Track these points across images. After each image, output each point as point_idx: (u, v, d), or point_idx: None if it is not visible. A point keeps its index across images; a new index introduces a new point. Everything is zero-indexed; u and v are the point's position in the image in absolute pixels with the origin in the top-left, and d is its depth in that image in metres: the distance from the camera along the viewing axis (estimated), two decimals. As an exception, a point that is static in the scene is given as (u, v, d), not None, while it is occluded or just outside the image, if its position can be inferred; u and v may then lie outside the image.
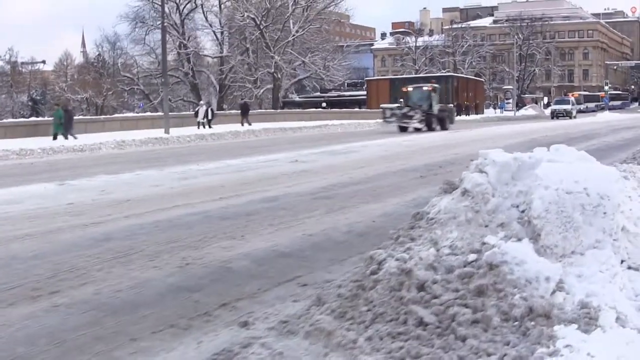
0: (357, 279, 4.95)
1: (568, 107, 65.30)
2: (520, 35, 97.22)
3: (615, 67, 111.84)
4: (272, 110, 57.48)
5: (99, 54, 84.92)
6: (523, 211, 4.95)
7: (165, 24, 59.62)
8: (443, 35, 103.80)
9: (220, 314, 5.37)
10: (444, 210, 5.13)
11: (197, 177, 14.14)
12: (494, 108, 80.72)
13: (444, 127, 35.54)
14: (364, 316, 4.53)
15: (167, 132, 30.64)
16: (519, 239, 4.76)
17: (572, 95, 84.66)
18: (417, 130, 33.04)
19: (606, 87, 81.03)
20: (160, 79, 65.41)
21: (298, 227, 8.54)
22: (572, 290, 4.45)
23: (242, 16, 62.74)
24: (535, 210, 4.77)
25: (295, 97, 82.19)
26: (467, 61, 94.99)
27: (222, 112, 49.54)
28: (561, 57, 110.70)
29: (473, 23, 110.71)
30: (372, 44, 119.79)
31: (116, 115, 45.78)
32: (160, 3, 40.00)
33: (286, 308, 5.36)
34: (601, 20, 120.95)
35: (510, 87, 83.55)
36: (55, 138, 27.74)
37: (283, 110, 59.20)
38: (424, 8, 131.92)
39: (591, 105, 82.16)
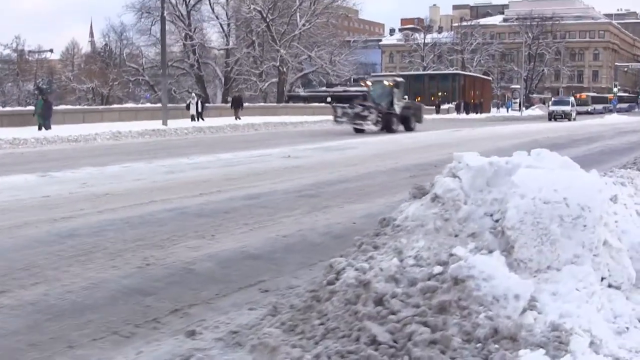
0: (314, 289, 4.57)
1: (567, 108, 59.61)
2: (530, 34, 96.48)
3: (625, 69, 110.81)
4: (274, 104, 57.00)
5: (106, 44, 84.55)
6: (497, 220, 4.55)
7: (171, 15, 59.67)
8: (452, 32, 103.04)
9: (170, 321, 5.00)
10: (412, 217, 4.73)
11: (184, 171, 13.75)
12: (498, 107, 79.90)
13: (408, 128, 31.39)
14: (315, 331, 4.14)
15: (165, 123, 30.28)
16: (491, 251, 4.36)
17: (580, 96, 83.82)
18: (382, 131, 29.24)
19: (615, 89, 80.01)
20: (167, 69, 65.24)
21: (274, 227, 8.15)
22: (544, 310, 4.05)
23: (249, 8, 62.19)
24: (509, 220, 4.37)
25: (301, 92, 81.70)
26: (475, 59, 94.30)
27: (224, 104, 49.11)
28: (571, 58, 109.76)
29: (483, 21, 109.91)
30: (380, 40, 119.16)
31: (115, 105, 45.30)
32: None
33: (240, 317, 4.99)
34: (613, 21, 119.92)
35: (518, 86, 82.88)
36: (40, 129, 27.37)
37: (286, 104, 58.73)
38: (434, 5, 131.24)
39: (599, 107, 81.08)
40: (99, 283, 5.91)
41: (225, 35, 68.72)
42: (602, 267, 4.40)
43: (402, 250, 4.51)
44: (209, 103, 50.67)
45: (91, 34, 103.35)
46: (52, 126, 27.90)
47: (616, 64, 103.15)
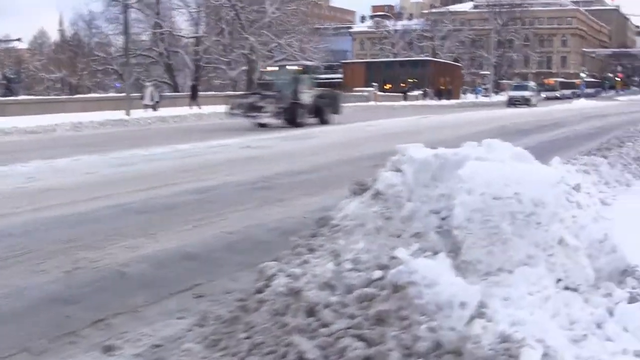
0: (242, 297, 4.12)
1: (527, 94, 56.15)
2: (499, 21, 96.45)
3: (593, 55, 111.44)
4: (240, 93, 56.18)
5: (75, 33, 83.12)
6: (444, 219, 4.14)
7: (140, 3, 58.55)
8: (422, 19, 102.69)
9: (89, 334, 4.54)
10: (351, 216, 4.30)
11: (137, 164, 13.17)
12: (464, 93, 79.75)
13: (323, 120, 27.04)
14: (240, 346, 3.69)
15: (128, 114, 29.53)
16: (436, 253, 3.95)
17: (548, 81, 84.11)
18: (290, 125, 25.09)
19: (583, 75, 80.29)
20: (136, 58, 64.10)
21: (220, 223, 7.68)
22: (494, 317, 3.64)
23: (218, -4, 61.33)
24: (455, 219, 3.96)
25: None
26: (445, 46, 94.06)
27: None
28: (540, 44, 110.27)
29: (453, 7, 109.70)
30: (351, 27, 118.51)
31: (78, 95, 44.21)
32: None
33: (167, 327, 4.54)
34: (580, 8, 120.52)
35: (488, 72, 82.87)
36: None
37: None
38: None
39: (567, 92, 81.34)
40: (21, 290, 5.41)
41: (195, 23, 67.78)
42: (558, 268, 4.00)
43: (340, 253, 4.07)
44: (178, 92, 49.68)
45: (61, 23, 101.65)
46: (12, 117, 27.03)
47: (583, 49, 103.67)
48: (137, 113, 30.56)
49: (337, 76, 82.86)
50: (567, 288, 4.03)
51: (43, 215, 8.16)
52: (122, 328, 4.58)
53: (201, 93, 43.77)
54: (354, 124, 25.63)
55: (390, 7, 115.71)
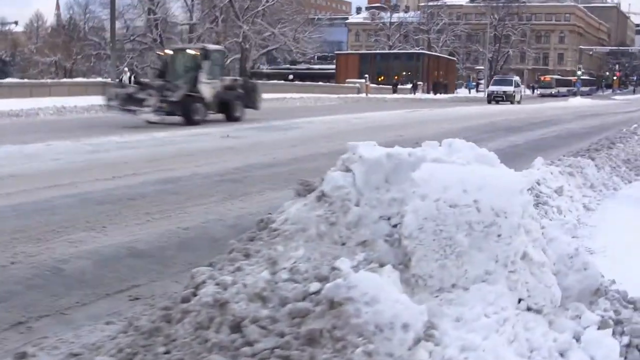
0: (167, 305, 3.71)
1: (509, 89, 49.68)
2: (495, 16, 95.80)
3: (590, 53, 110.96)
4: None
5: (71, 17, 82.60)
6: (395, 226, 3.73)
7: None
8: (419, 12, 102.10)
9: (6, 338, 4.13)
10: (292, 219, 3.88)
11: (109, 151, 12.71)
12: (456, 88, 79.38)
13: (231, 116, 22.12)
14: (156, 361, 3.29)
15: (113, 98, 28.96)
16: (383, 265, 3.55)
17: (544, 78, 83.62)
18: (187, 121, 20.38)
19: (579, 72, 79.82)
20: (131, 44, 63.45)
21: (178, 217, 7.25)
22: (443, 341, 3.25)
23: (212, -17, 60.80)
24: (406, 227, 3.55)
25: (265, 68, 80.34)
26: (441, 39, 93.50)
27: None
28: (536, 40, 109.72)
29: (449, 1, 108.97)
30: (346, 18, 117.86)
31: (64, 79, 43.59)
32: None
33: (91, 333, 4.12)
34: (579, 5, 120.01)
35: (483, 67, 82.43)
36: None
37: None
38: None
39: (563, 89, 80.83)
40: (-52, 287, 5.00)
41: (189, 10, 67.30)
42: (520, 287, 3.59)
43: (277, 260, 3.65)
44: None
45: (57, 7, 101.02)
46: None
47: (581, 47, 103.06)
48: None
49: (331, 67, 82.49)
50: (529, 309, 3.63)
51: (-5, 203, 7.73)
52: (43, 332, 4.17)
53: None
54: (336, 116, 25.07)
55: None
